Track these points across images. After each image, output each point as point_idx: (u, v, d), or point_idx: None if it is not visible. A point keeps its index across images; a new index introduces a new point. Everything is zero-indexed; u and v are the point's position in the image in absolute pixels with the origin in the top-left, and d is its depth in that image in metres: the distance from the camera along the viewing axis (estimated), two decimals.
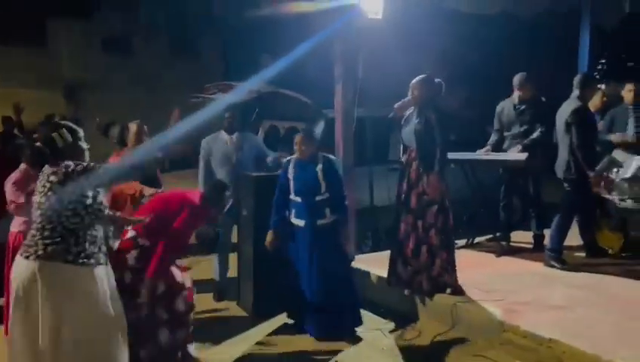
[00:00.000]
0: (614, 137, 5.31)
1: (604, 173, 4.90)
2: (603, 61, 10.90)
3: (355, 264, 5.03)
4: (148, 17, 12.37)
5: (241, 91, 5.69)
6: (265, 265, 4.34)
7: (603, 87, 4.95)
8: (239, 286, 4.73)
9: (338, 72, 5.07)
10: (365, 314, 4.27)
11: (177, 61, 13.30)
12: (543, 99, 5.37)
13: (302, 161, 4.05)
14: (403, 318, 4.28)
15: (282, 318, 4.29)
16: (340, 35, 4.97)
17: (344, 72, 5.03)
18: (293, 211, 4.07)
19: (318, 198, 3.98)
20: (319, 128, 6.15)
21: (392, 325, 4.23)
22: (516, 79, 5.34)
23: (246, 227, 4.60)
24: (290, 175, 4.05)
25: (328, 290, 3.96)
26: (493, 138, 5.54)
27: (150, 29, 12.89)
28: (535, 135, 5.17)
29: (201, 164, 5.05)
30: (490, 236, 5.74)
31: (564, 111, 4.72)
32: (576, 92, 4.73)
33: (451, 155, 4.57)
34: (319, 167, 3.98)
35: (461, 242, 5.42)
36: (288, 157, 4.19)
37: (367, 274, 4.80)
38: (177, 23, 12.43)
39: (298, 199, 4.03)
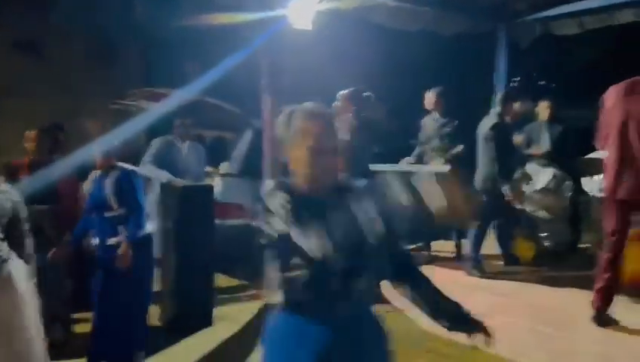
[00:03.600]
0: (534, 150, 5.63)
1: (519, 185, 5.19)
2: (517, 79, 11.58)
3: None
4: (62, 18, 11.74)
5: (175, 98, 5.53)
6: (189, 277, 4.19)
7: (518, 103, 5.24)
8: (162, 299, 4.54)
9: (265, 82, 5.04)
10: None
11: (97, 66, 12.72)
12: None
13: (99, 174, 3.63)
14: None
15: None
16: (268, 46, 4.94)
17: (271, 82, 5.01)
18: (93, 229, 3.65)
19: (107, 215, 3.53)
20: (247, 137, 6.12)
21: None
22: (430, 94, 5.57)
23: (170, 239, 4.44)
24: (87, 189, 3.68)
25: (111, 315, 3.52)
26: (417, 150, 5.73)
27: (66, 31, 12.25)
28: (456, 149, 5.40)
29: (150, 167, 4.79)
30: (413, 246, 5.89)
31: (484, 126, 4.96)
32: (497, 108, 4.98)
33: (376, 167, 4.66)
34: (110, 179, 3.53)
35: None
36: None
37: None
38: (96, 27, 11.90)
39: (92, 215, 3.61)
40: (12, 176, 3.59)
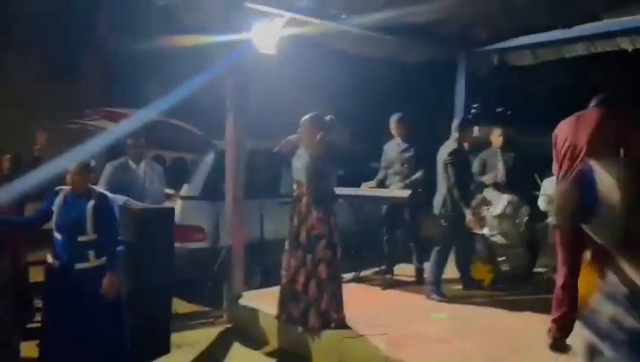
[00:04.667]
0: (487, 178, 5.78)
1: (477, 211, 5.29)
2: (475, 105, 11.92)
3: (243, 301, 4.92)
4: (20, 31, 11.44)
5: (135, 119, 5.45)
6: (147, 302, 4.08)
7: (477, 128, 5.37)
8: None
9: (229, 104, 5.02)
10: (253, 354, 4.15)
11: (54, 82, 12.36)
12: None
13: (73, 194, 3.50)
14: (295, 357, 4.22)
15: None
16: (232, 68, 4.95)
17: (235, 104, 5.00)
18: (54, 249, 3.51)
19: (81, 239, 3.44)
20: (208, 159, 6.05)
21: None
22: (392, 119, 5.67)
23: (129, 262, 4.32)
24: (55, 207, 3.47)
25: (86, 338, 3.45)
26: (379, 174, 5.79)
27: (24, 45, 11.91)
28: (416, 175, 5.49)
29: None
30: (376, 269, 5.92)
31: (443, 152, 5.05)
32: (455, 135, 5.09)
33: (339, 190, 4.69)
34: (91, 203, 3.46)
35: (348, 276, 5.52)
36: (58, 188, 3.58)
37: (255, 311, 4.70)
38: (56, 42, 11.65)
39: (59, 236, 3.47)
40: None
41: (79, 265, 3.43)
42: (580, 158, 3.60)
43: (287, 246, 4.29)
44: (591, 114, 3.73)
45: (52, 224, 3.49)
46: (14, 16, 11.55)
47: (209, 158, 6.04)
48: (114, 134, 5.23)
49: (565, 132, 3.76)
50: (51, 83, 12.09)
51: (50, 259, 3.52)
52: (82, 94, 12.03)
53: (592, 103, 3.79)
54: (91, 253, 3.45)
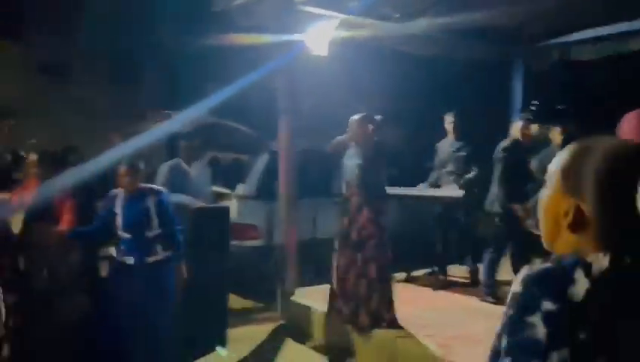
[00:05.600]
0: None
1: (533, 210, 5.14)
2: (535, 102, 11.54)
3: (295, 298, 5.01)
4: (88, 42, 12.03)
5: (183, 121, 5.66)
6: (203, 298, 4.23)
7: (534, 126, 5.22)
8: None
9: (282, 105, 5.12)
10: (304, 350, 4.23)
11: (117, 87, 12.91)
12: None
13: (130, 195, 3.70)
14: (343, 353, 4.27)
15: None
16: (286, 69, 5.04)
17: (288, 105, 5.09)
18: (122, 248, 3.73)
19: (148, 234, 3.66)
20: (263, 159, 6.19)
21: None
22: (446, 117, 5.60)
23: (186, 258, 4.49)
24: (118, 209, 3.69)
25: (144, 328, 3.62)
26: (432, 175, 5.73)
27: (90, 54, 12.51)
28: (470, 174, 5.40)
29: None
30: (428, 270, 5.87)
31: (498, 149, 4.97)
32: (512, 131, 4.99)
33: (391, 190, 4.69)
34: (153, 200, 3.68)
35: (399, 276, 5.50)
36: (112, 192, 3.79)
37: (307, 308, 4.78)
38: (119, 48, 12.16)
39: (127, 235, 3.69)
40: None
41: (150, 259, 3.66)
42: None
43: (336, 245, 4.34)
44: None
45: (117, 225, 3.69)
46: (83, 29, 12.08)
47: (263, 159, 6.17)
48: (167, 135, 5.42)
49: (635, 123, 3.62)
50: (112, 85, 12.63)
51: (117, 255, 3.74)
52: (144, 97, 12.50)
53: None
54: (159, 247, 3.68)
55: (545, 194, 1.05)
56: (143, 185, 3.75)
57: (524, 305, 0.91)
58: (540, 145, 5.84)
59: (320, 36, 5.20)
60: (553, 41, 6.41)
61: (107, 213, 3.75)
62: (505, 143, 4.95)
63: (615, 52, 6.18)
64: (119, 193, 3.74)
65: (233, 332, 4.60)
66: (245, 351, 4.43)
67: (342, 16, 5.19)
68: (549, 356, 0.85)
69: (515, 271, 5.48)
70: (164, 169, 5.19)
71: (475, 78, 9.51)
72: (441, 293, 5.30)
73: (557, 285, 0.88)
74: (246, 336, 4.68)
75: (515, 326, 0.91)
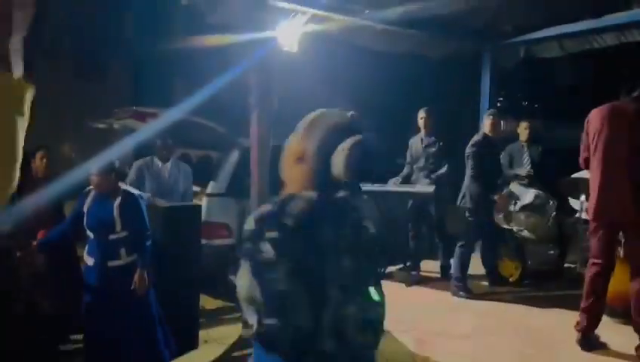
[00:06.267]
0: (519, 170, 5.69)
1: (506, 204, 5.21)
2: (501, 99, 11.76)
3: None
4: (54, 41, 11.70)
5: (163, 118, 5.53)
6: (174, 299, 4.14)
7: (502, 122, 5.29)
8: None
9: (254, 102, 5.05)
10: None
11: (83, 84, 12.60)
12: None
13: (99, 194, 3.56)
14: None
15: None
16: (257, 66, 4.97)
17: (260, 102, 5.02)
18: (87, 248, 3.63)
19: (112, 237, 3.51)
20: (234, 157, 6.09)
21: None
22: (419, 113, 5.63)
23: (155, 259, 4.38)
24: (86, 208, 3.55)
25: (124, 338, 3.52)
26: (404, 170, 5.76)
27: (54, 51, 12.17)
28: (441, 170, 5.44)
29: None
30: (401, 266, 5.90)
31: (468, 144, 5.02)
32: (481, 127, 5.05)
33: (363, 186, 4.68)
34: (117, 202, 3.52)
35: None
36: (87, 189, 3.64)
37: None
38: (84, 45, 11.86)
39: (91, 235, 3.57)
40: None
41: (111, 263, 3.51)
42: (617, 150, 3.56)
43: None
44: (628, 106, 3.65)
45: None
46: (48, 27, 11.75)
47: (234, 156, 6.08)
48: (142, 134, 5.29)
49: (599, 121, 3.69)
50: (78, 83, 12.32)
51: (85, 257, 3.61)
52: (109, 94, 12.23)
53: (630, 95, 3.69)
54: (122, 251, 3.52)
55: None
56: (117, 185, 3.60)
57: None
58: (508, 139, 5.94)
59: (289, 32, 5.14)
60: (520, 38, 6.50)
61: (77, 211, 3.61)
62: (475, 138, 5.01)
63: (579, 50, 6.30)
64: (92, 191, 3.60)
65: (205, 333, 4.53)
66: (218, 351, 4.34)
67: (311, 11, 5.15)
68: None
69: (486, 264, 5.62)
70: (134, 167, 5.07)
71: (446, 74, 9.62)
72: (415, 289, 5.33)
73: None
74: (219, 337, 4.60)
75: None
